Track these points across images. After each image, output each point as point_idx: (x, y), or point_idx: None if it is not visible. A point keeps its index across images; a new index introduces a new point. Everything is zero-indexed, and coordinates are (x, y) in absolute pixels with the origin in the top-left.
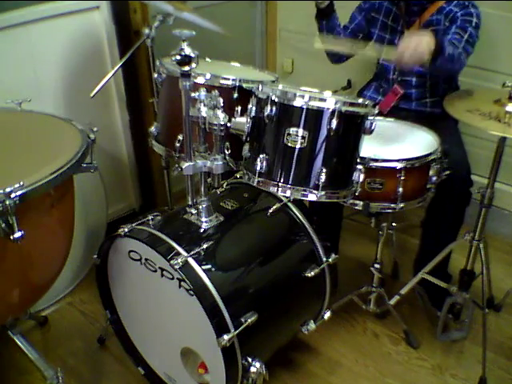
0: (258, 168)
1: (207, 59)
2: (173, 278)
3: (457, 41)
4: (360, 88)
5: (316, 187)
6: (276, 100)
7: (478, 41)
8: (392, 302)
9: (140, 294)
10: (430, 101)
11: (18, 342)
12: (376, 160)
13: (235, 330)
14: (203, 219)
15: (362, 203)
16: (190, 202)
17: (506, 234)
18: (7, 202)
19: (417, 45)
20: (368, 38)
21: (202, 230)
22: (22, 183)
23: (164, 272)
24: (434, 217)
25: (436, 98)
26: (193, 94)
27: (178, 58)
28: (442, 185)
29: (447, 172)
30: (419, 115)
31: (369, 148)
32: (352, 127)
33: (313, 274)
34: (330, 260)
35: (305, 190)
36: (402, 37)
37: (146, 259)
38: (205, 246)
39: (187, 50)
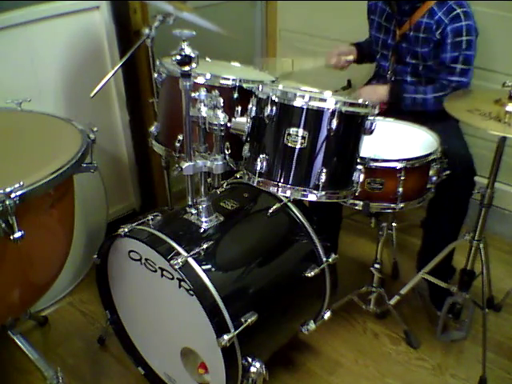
0: (258, 168)
1: (207, 59)
2: (173, 278)
3: (448, 76)
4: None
5: (316, 187)
6: (276, 100)
7: (477, 49)
8: (392, 302)
9: (140, 294)
10: None
11: (18, 342)
12: (376, 160)
13: (235, 330)
14: (203, 219)
15: (361, 203)
16: (189, 202)
17: (506, 234)
18: (7, 202)
19: (371, 97)
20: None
21: (202, 230)
22: (22, 183)
23: (164, 272)
24: (436, 212)
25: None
26: (193, 94)
27: (178, 57)
28: (445, 180)
29: (447, 172)
30: (421, 116)
31: (369, 148)
32: (352, 127)
33: (313, 274)
34: (329, 260)
35: (305, 190)
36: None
37: (146, 259)
38: (205, 246)
39: (187, 50)
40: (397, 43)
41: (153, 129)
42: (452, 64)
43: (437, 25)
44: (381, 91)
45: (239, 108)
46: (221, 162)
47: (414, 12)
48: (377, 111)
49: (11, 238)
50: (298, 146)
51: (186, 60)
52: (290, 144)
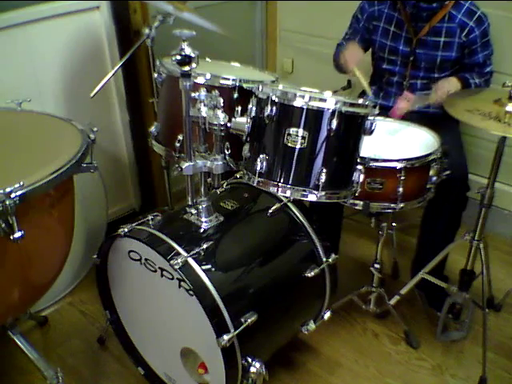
0: (258, 168)
1: (207, 59)
2: (173, 278)
3: (481, 70)
4: (359, 92)
5: (316, 187)
6: (276, 100)
7: None
8: (392, 301)
9: (140, 294)
10: None
11: (18, 342)
12: (376, 160)
13: (235, 330)
14: (203, 219)
15: (361, 203)
16: (189, 202)
17: (506, 234)
18: (7, 202)
19: (449, 91)
20: (370, 45)
21: (201, 230)
22: (21, 183)
23: (164, 272)
24: (431, 217)
25: None
26: (193, 94)
27: (178, 57)
28: (440, 185)
29: (447, 172)
30: (422, 116)
31: (369, 148)
32: (352, 127)
33: (313, 274)
34: (329, 260)
35: (305, 191)
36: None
37: (146, 259)
38: (205, 246)
39: (187, 50)
40: (412, 49)
41: (153, 129)
42: (486, 61)
43: (461, 28)
44: (454, 81)
45: (239, 108)
46: (221, 162)
47: (431, 18)
48: (377, 111)
49: (11, 237)
50: (298, 146)
51: (186, 60)
52: (289, 144)
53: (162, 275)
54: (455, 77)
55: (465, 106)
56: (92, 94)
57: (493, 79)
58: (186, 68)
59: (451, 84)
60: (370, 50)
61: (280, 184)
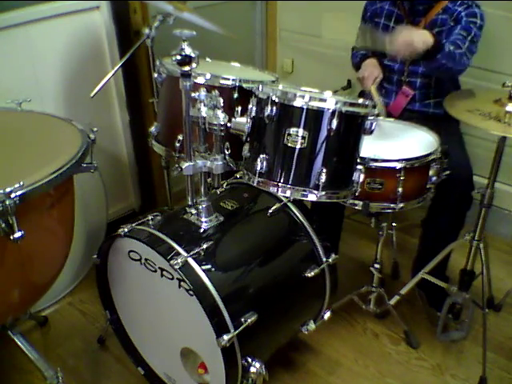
0: (258, 168)
1: (207, 59)
2: (172, 278)
3: (460, 41)
4: (360, 91)
5: (316, 187)
6: (276, 100)
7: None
8: (392, 301)
9: (140, 294)
10: (434, 102)
11: (18, 342)
12: (376, 160)
13: (235, 330)
14: (203, 219)
15: (361, 203)
16: (190, 202)
17: (506, 234)
18: (7, 202)
19: (412, 38)
20: None
21: (201, 230)
22: (21, 183)
23: (164, 272)
24: (435, 217)
25: (439, 99)
26: (193, 94)
27: (179, 57)
28: (443, 186)
29: (447, 172)
30: (422, 116)
31: (369, 148)
32: (352, 127)
33: (313, 274)
34: (329, 260)
35: (305, 190)
36: (399, 28)
37: (146, 259)
38: (205, 246)
39: (187, 50)
40: None
41: (153, 129)
42: (464, 33)
43: (451, 15)
44: (424, 32)
45: (239, 108)
46: (221, 162)
47: (428, 11)
48: (377, 112)
49: (11, 237)
50: (298, 146)
51: (186, 60)
52: (290, 144)
53: (162, 275)
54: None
55: (465, 105)
56: (92, 94)
57: (493, 79)
58: (186, 68)
59: (419, 33)
60: None
61: (280, 184)
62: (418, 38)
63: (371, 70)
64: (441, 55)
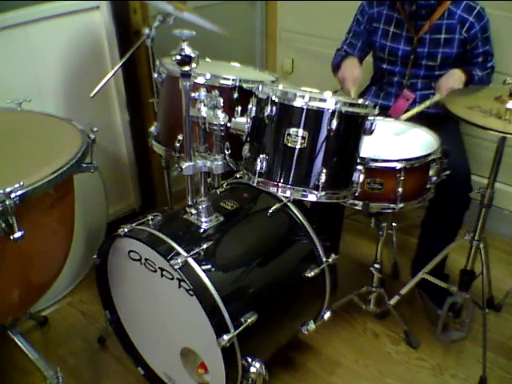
0: (258, 168)
1: (207, 59)
2: (173, 278)
3: (484, 63)
4: (359, 92)
5: (316, 187)
6: (276, 100)
7: None
8: (392, 301)
9: (140, 294)
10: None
11: (18, 342)
12: (376, 160)
13: (235, 330)
14: (203, 219)
15: (361, 203)
16: (190, 202)
17: (506, 234)
18: (7, 202)
19: (453, 85)
20: (370, 47)
21: (201, 230)
22: (21, 183)
23: (164, 272)
24: (433, 217)
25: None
26: (193, 94)
27: (178, 57)
28: (442, 186)
29: (447, 172)
30: (422, 116)
31: (369, 148)
32: (352, 128)
33: (313, 274)
34: (329, 260)
35: (305, 191)
36: (438, 85)
37: (146, 259)
38: (205, 246)
39: (187, 50)
40: (413, 48)
41: (153, 129)
42: (487, 56)
43: (461, 24)
44: (457, 74)
45: (239, 108)
46: (221, 162)
47: (430, 15)
48: (377, 112)
49: (11, 237)
50: (298, 146)
51: (186, 60)
52: (289, 144)
53: (162, 275)
54: (458, 69)
55: (465, 102)
56: (92, 94)
57: (493, 79)
58: (186, 68)
59: (455, 78)
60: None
61: (280, 184)
62: (457, 84)
63: (351, 70)
64: (472, 83)
